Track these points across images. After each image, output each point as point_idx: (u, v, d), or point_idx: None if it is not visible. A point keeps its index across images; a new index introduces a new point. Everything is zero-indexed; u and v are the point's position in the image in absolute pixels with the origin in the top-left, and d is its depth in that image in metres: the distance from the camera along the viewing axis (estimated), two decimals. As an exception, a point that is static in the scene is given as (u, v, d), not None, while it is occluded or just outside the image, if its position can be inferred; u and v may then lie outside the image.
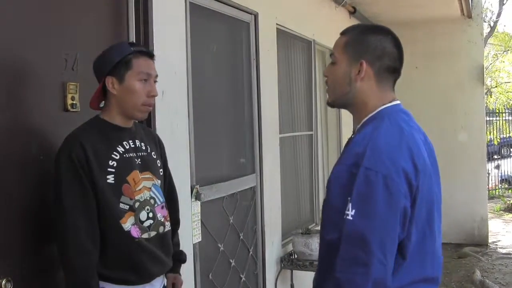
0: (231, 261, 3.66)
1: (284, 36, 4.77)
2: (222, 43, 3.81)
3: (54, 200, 1.97)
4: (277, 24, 4.49)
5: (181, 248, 2.42)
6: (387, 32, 1.74)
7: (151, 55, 2.14)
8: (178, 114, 2.99)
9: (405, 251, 1.57)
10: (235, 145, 3.96)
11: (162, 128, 2.71)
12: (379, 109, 1.68)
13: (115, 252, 2.01)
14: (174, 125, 2.93)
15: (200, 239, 3.18)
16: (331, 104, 1.80)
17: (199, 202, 3.16)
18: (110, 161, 2.02)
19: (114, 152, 2.04)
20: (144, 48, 2.18)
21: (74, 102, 2.23)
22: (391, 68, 1.71)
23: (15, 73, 2.01)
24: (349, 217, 1.51)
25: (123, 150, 2.07)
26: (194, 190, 3.12)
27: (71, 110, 2.22)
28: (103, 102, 2.14)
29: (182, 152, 3.01)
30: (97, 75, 2.11)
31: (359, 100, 1.70)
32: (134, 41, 2.63)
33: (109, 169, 2.00)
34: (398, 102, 1.72)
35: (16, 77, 2.01)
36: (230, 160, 3.93)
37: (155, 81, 2.13)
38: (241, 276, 3.80)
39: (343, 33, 1.75)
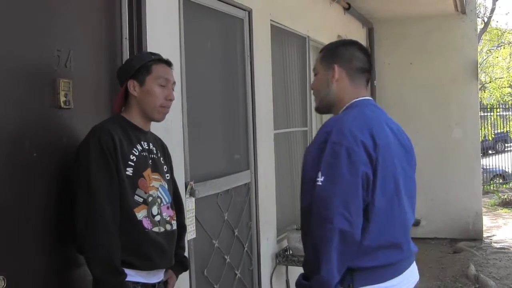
0: (226, 257, 3.66)
1: (278, 33, 4.76)
2: (216, 39, 3.81)
3: (82, 185, 2.05)
4: (271, 20, 4.49)
5: None
6: (354, 42, 2.18)
7: (169, 64, 2.31)
8: (172, 110, 2.96)
9: (370, 215, 1.86)
10: (229, 141, 3.96)
11: (156, 125, 2.70)
12: (353, 101, 2.05)
13: (126, 237, 2.09)
14: (168, 122, 2.91)
15: (194, 236, 3.18)
16: (318, 108, 2.18)
17: (193, 199, 3.16)
18: (131, 156, 2.16)
19: (135, 148, 2.19)
20: (163, 57, 2.32)
21: (67, 99, 2.21)
22: (361, 69, 2.09)
23: (6, 70, 1.99)
24: (319, 183, 1.83)
25: (141, 148, 2.22)
26: (188, 187, 3.12)
27: (64, 107, 2.21)
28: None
29: (176, 148, 3.00)
30: (120, 81, 2.28)
31: (337, 98, 2.08)
32: (128, 37, 2.66)
33: (129, 162, 2.14)
34: (370, 98, 2.10)
35: (7, 74, 1.99)
36: (225, 156, 3.92)
37: (172, 88, 2.29)
38: (236, 272, 3.81)
39: (320, 51, 2.16)
